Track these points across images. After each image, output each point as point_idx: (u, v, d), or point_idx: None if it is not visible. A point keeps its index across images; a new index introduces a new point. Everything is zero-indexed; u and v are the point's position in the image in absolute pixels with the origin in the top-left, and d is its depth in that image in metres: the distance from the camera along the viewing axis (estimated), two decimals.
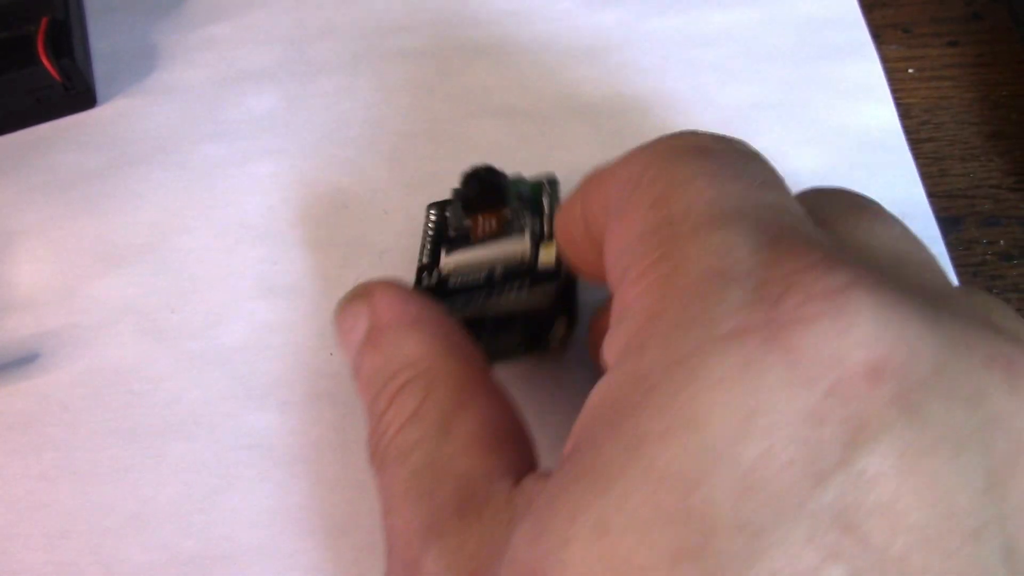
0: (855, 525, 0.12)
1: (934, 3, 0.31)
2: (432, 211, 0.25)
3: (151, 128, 0.30)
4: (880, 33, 0.31)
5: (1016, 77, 0.29)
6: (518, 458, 0.18)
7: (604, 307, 0.20)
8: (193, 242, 0.27)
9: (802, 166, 0.27)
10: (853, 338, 0.12)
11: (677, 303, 0.14)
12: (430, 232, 0.24)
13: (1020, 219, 0.26)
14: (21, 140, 0.30)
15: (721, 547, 0.12)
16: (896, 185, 0.27)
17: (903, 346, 0.12)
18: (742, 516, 0.12)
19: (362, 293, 0.20)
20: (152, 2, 0.33)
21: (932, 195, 0.26)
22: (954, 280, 0.25)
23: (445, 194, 0.25)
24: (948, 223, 0.26)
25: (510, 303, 0.21)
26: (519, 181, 0.24)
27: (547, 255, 0.22)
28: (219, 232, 0.27)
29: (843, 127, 0.28)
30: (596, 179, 0.18)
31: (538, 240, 0.23)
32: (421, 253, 0.24)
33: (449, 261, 0.23)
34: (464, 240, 0.24)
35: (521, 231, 0.23)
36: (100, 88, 0.31)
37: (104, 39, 0.32)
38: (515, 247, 0.23)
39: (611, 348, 0.15)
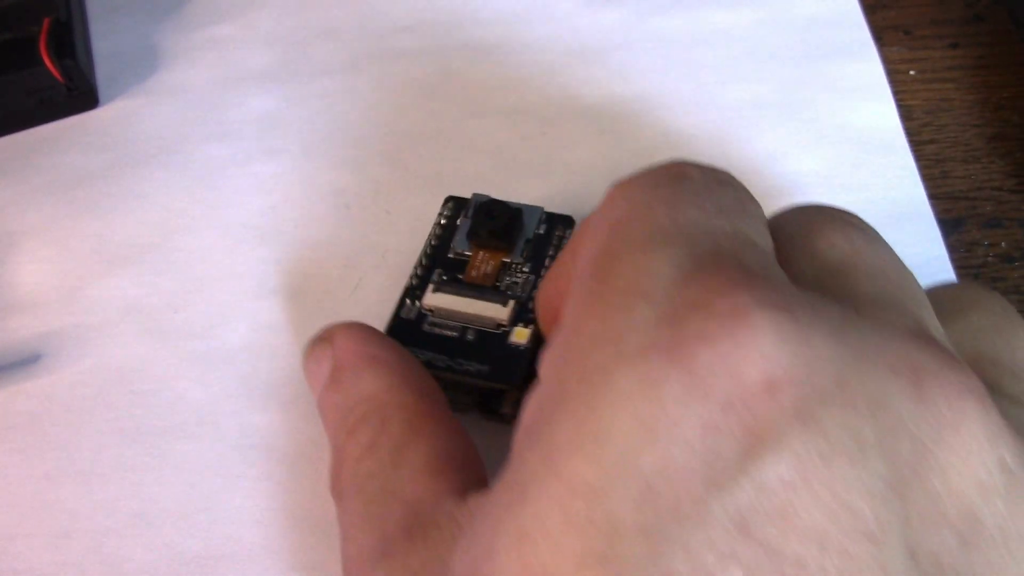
0: (752, 529, 0.12)
1: (935, 5, 0.32)
2: (449, 205, 0.25)
3: (153, 129, 0.30)
4: (881, 35, 0.31)
5: (1018, 79, 0.30)
6: (467, 479, 0.18)
7: (550, 275, 0.20)
8: (195, 242, 0.27)
9: (803, 167, 0.27)
10: (751, 355, 0.13)
11: (596, 319, 0.15)
12: (438, 231, 0.24)
13: (1022, 221, 0.26)
14: (23, 141, 0.30)
15: (624, 551, 0.13)
16: (897, 187, 0.27)
17: (801, 361, 0.13)
18: (643, 521, 0.13)
19: (325, 337, 0.21)
20: (154, 3, 0.33)
21: (933, 197, 0.26)
22: (951, 277, 0.25)
23: (447, 193, 0.25)
24: (949, 225, 0.26)
25: (471, 373, 0.22)
26: (532, 212, 0.24)
27: (520, 335, 0.22)
28: (221, 232, 0.27)
29: (844, 128, 0.28)
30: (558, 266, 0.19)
31: (519, 313, 0.22)
32: (421, 256, 0.24)
33: (434, 300, 0.23)
34: (458, 269, 0.24)
35: (505, 302, 0.23)
36: (102, 89, 0.31)
37: (106, 40, 0.32)
38: (496, 313, 0.22)
39: (543, 361, 0.16)
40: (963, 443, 0.13)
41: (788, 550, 0.12)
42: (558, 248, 0.23)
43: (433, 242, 0.24)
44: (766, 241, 0.16)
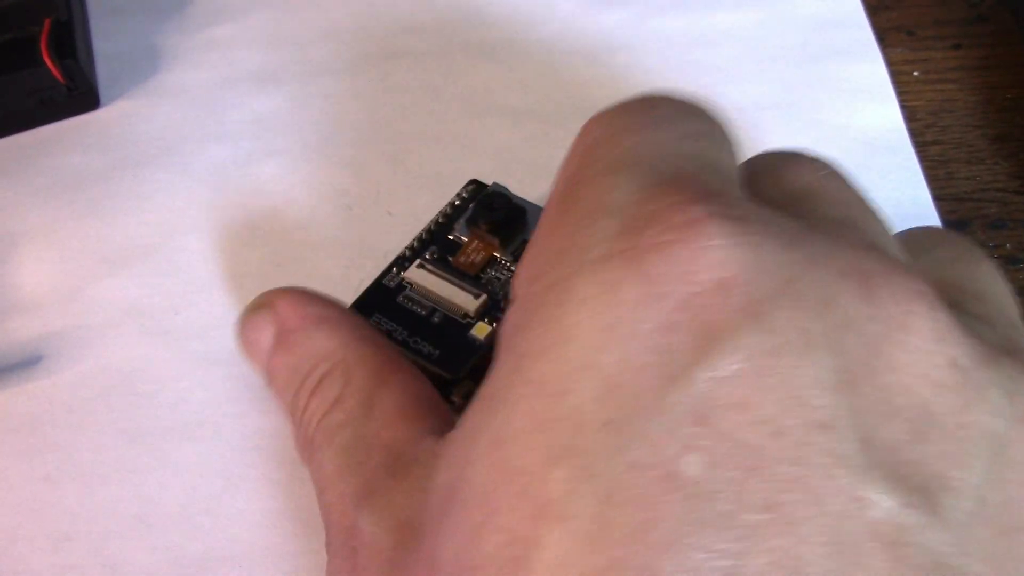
0: (709, 419, 0.13)
1: (938, 6, 0.32)
2: (469, 187, 0.25)
3: (155, 129, 0.30)
4: (884, 36, 0.31)
5: (1021, 80, 0.29)
6: (440, 422, 0.19)
7: None
8: (197, 243, 0.27)
9: None
10: (703, 259, 0.14)
11: (559, 237, 0.16)
12: (448, 211, 0.25)
13: None
14: (24, 142, 0.30)
15: (589, 444, 0.13)
16: (901, 188, 0.27)
17: (751, 264, 0.14)
18: (606, 415, 0.13)
19: (263, 303, 0.21)
20: (155, 3, 0.33)
21: (938, 198, 0.26)
22: None
23: (449, 195, 0.25)
24: (954, 226, 0.26)
25: (422, 355, 0.22)
26: (538, 214, 0.24)
27: (481, 330, 0.22)
28: (223, 233, 0.27)
29: (848, 130, 0.28)
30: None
31: (488, 309, 0.23)
32: (423, 230, 0.24)
33: (415, 275, 0.23)
34: (451, 251, 0.24)
35: (478, 295, 0.23)
36: (103, 89, 0.31)
37: (107, 40, 0.32)
38: (466, 303, 0.23)
39: (515, 278, 0.17)
40: (912, 342, 0.14)
41: (744, 438, 0.13)
42: None
43: (440, 220, 0.25)
44: (731, 166, 0.17)
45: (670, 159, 0.16)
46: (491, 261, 0.23)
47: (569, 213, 0.16)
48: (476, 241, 0.24)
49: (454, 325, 0.23)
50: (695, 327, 0.14)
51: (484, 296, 0.23)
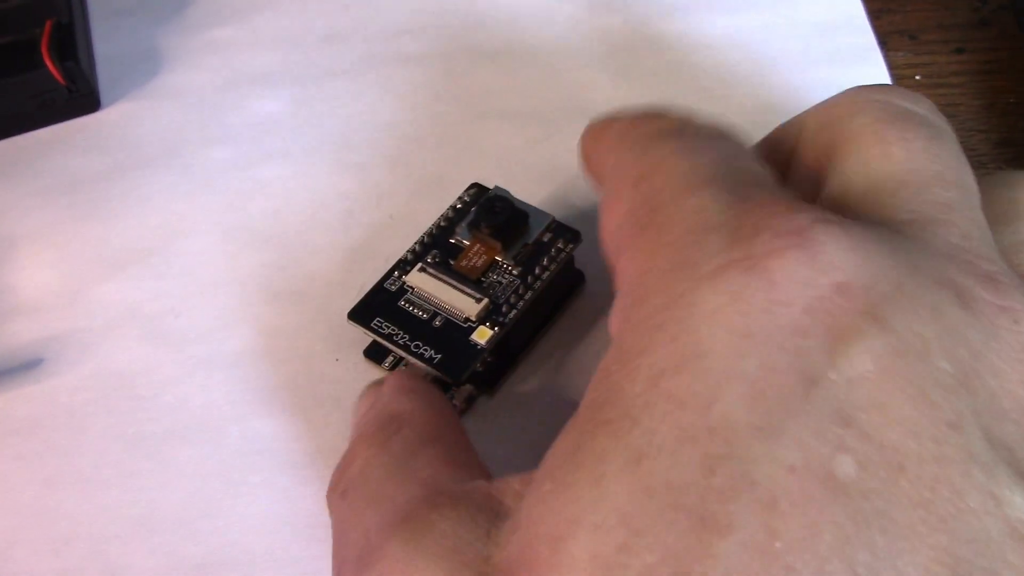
0: (852, 420, 0.13)
1: (941, 10, 0.31)
2: (471, 191, 0.25)
3: (155, 132, 0.30)
4: (887, 40, 0.30)
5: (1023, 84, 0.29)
6: (483, 478, 0.18)
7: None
8: (197, 246, 0.27)
9: None
10: (820, 264, 0.14)
11: (664, 258, 0.16)
12: (449, 214, 0.25)
13: None
14: (25, 144, 0.30)
15: (744, 451, 0.13)
16: None
17: (864, 269, 0.14)
18: (756, 420, 0.13)
19: (376, 382, 0.22)
20: (156, 5, 0.33)
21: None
22: None
23: (450, 198, 0.25)
24: None
25: (423, 358, 0.22)
26: (540, 218, 0.24)
27: (482, 334, 0.22)
28: (223, 236, 0.27)
29: None
30: (602, 136, 0.20)
31: (490, 313, 0.23)
32: (425, 234, 0.24)
33: (416, 279, 0.23)
34: (452, 255, 0.24)
35: (480, 299, 0.23)
36: (104, 92, 0.31)
37: (108, 42, 0.32)
38: (467, 307, 0.23)
39: (614, 315, 0.17)
40: (1004, 351, 0.14)
41: (887, 439, 0.13)
42: (554, 260, 0.23)
43: (442, 223, 0.25)
44: (772, 179, 0.17)
45: (731, 175, 0.17)
46: (493, 265, 0.23)
47: (663, 234, 0.16)
48: (478, 245, 0.24)
49: (456, 329, 0.23)
50: (823, 330, 0.14)
51: (486, 300, 0.23)
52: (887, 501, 0.13)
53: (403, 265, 0.24)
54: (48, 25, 0.29)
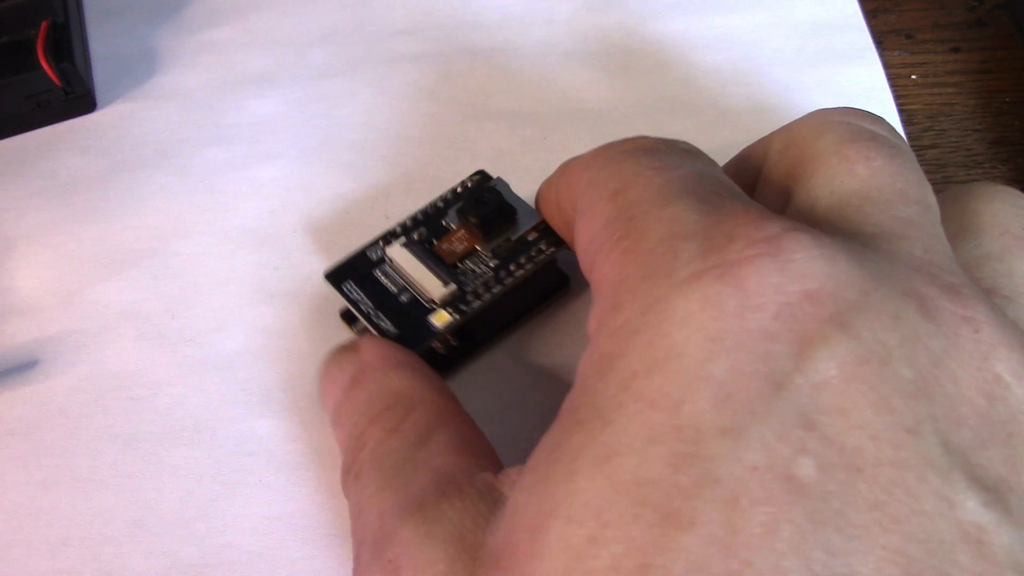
0: (814, 423, 0.14)
1: (937, 9, 0.31)
2: (475, 177, 0.25)
3: (151, 132, 0.30)
4: (883, 39, 0.31)
5: (1019, 84, 0.29)
6: (492, 465, 0.19)
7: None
8: (194, 247, 0.27)
9: None
10: (790, 272, 0.15)
11: (640, 266, 0.16)
12: (448, 196, 0.25)
13: None
14: (21, 145, 0.30)
15: (709, 450, 0.14)
16: None
17: (833, 277, 0.15)
18: (722, 421, 0.14)
19: (349, 347, 0.22)
20: (152, 6, 0.33)
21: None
22: None
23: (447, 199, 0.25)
24: None
25: (380, 330, 0.23)
26: (529, 216, 0.24)
27: (440, 318, 0.23)
28: (220, 237, 0.27)
29: None
30: (567, 171, 0.21)
31: (455, 299, 0.23)
32: (419, 211, 0.25)
33: (395, 252, 0.24)
34: (438, 236, 0.24)
35: (447, 283, 0.23)
36: (100, 92, 0.31)
37: (104, 43, 0.32)
38: (433, 289, 0.23)
39: (591, 320, 0.17)
40: (964, 359, 0.15)
41: (847, 442, 0.14)
42: (532, 260, 0.23)
43: (439, 204, 0.25)
44: (743, 193, 0.18)
45: (703, 188, 0.17)
46: (471, 253, 0.24)
47: (639, 244, 0.17)
48: (462, 231, 0.24)
49: (418, 308, 0.23)
50: (791, 336, 0.14)
51: (454, 286, 0.23)
52: (844, 502, 0.13)
53: (389, 236, 0.24)
54: (44, 26, 0.29)
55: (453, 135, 0.29)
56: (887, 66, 0.30)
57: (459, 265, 0.23)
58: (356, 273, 0.24)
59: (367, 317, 0.23)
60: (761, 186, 0.20)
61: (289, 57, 0.31)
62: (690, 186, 0.17)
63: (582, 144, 0.28)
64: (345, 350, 0.22)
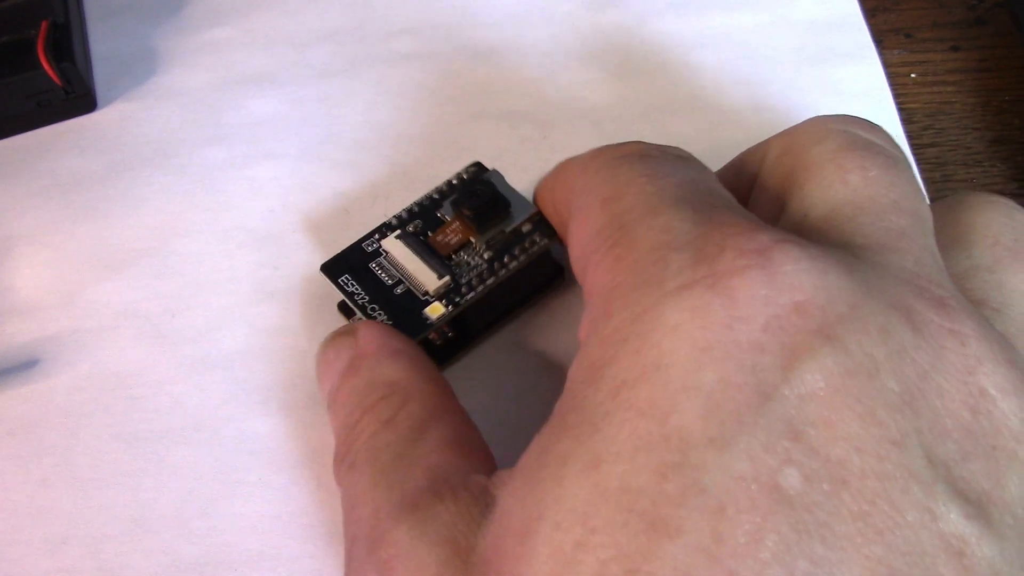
0: (801, 434, 0.14)
1: (936, 8, 0.31)
2: (471, 169, 0.25)
3: (151, 132, 0.30)
4: (882, 38, 0.31)
5: (1019, 82, 0.29)
6: (486, 462, 0.19)
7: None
8: (194, 246, 0.27)
9: None
10: (780, 284, 0.15)
11: (631, 274, 0.16)
12: (444, 188, 0.25)
13: None
14: (21, 144, 0.30)
15: (696, 459, 0.14)
16: None
17: (822, 289, 0.15)
18: (710, 431, 0.14)
19: (347, 331, 0.22)
20: (152, 6, 0.33)
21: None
22: None
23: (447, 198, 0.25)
24: None
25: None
26: (524, 207, 0.24)
27: (434, 310, 0.23)
28: (220, 236, 0.27)
29: None
30: (563, 173, 0.22)
31: (448, 292, 0.23)
32: (414, 203, 0.25)
33: (390, 244, 0.24)
34: (432, 228, 0.24)
35: (441, 276, 0.23)
36: (100, 92, 0.31)
37: (104, 43, 0.32)
38: (428, 281, 0.23)
39: (583, 326, 0.17)
40: (950, 372, 0.15)
41: (833, 454, 0.14)
42: (525, 252, 0.23)
43: (434, 195, 0.25)
44: (736, 202, 0.18)
45: (699, 196, 0.17)
46: (466, 245, 0.24)
47: (631, 252, 0.17)
48: (457, 223, 0.24)
49: (413, 300, 0.23)
50: (779, 347, 0.14)
51: (448, 278, 0.23)
52: (829, 513, 0.13)
53: (385, 229, 0.24)
54: (44, 25, 0.29)
55: (453, 134, 0.29)
56: (887, 65, 0.30)
57: (453, 257, 0.24)
58: (352, 266, 0.24)
59: (363, 309, 0.23)
60: (757, 191, 0.20)
61: (289, 57, 0.31)
62: (682, 194, 0.17)
63: (582, 143, 0.28)
64: (343, 334, 0.22)
